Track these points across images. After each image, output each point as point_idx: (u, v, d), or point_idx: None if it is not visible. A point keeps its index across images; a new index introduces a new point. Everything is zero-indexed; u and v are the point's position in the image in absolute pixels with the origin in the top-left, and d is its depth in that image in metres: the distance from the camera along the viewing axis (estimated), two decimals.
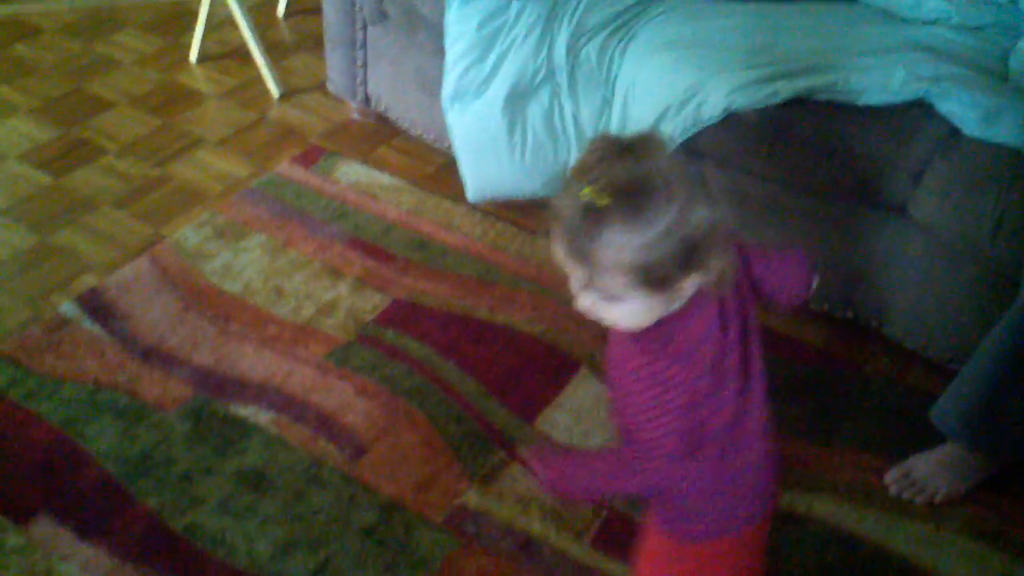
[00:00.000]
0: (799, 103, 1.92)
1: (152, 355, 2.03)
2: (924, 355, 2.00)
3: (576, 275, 1.09)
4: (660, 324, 1.11)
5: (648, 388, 1.11)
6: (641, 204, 1.01)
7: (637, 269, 1.03)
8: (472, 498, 1.78)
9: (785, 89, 1.92)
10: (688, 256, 1.04)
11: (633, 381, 1.13)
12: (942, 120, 1.88)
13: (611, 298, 1.08)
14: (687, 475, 1.20)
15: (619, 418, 1.20)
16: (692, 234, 1.03)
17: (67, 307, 2.12)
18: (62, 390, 1.94)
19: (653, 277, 1.04)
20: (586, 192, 1.01)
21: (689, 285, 1.08)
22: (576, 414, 1.93)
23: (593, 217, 1.02)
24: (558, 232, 1.06)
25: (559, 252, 1.08)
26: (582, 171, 1.04)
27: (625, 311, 1.10)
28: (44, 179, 2.54)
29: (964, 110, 1.85)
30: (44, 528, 1.71)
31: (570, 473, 1.26)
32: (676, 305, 1.10)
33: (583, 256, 1.05)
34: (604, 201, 1.01)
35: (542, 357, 2.05)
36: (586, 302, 1.12)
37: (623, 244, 1.02)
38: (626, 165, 1.02)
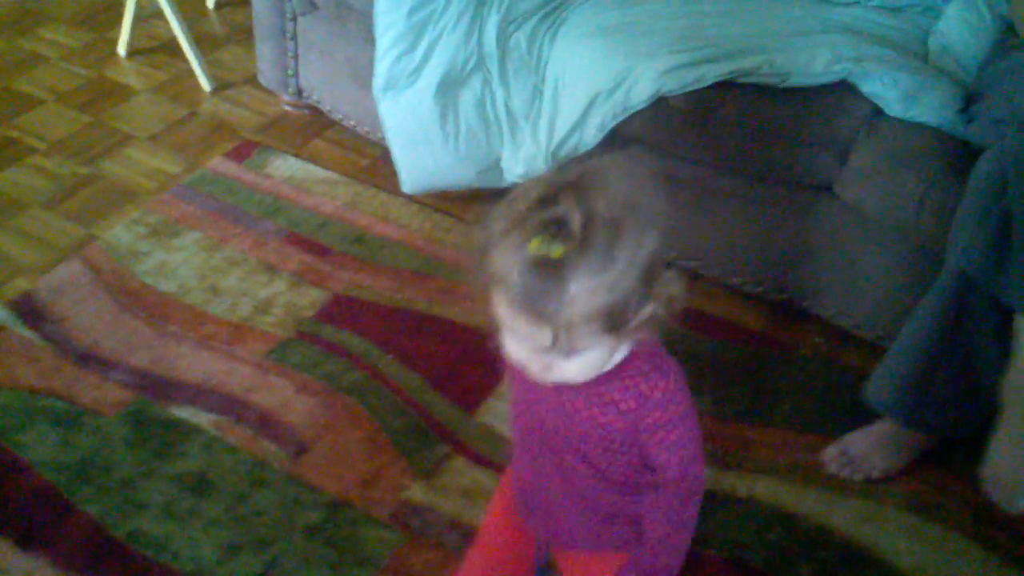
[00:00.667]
0: (726, 86, 1.94)
1: (88, 359, 2.00)
2: (858, 334, 2.04)
3: (534, 340, 0.97)
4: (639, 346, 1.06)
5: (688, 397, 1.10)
6: (599, 242, 0.91)
7: (605, 314, 0.94)
8: (417, 493, 1.78)
9: (712, 72, 1.94)
10: (647, 285, 0.96)
11: (677, 402, 1.09)
12: (866, 100, 1.91)
13: (572, 352, 0.98)
14: None
15: (672, 453, 1.12)
16: (648, 260, 0.95)
17: None
18: None
19: (618, 318, 0.95)
20: (535, 245, 0.91)
21: (643, 317, 0.99)
22: None
23: (551, 271, 0.91)
24: (506, 297, 0.95)
25: (509, 318, 0.97)
26: (516, 223, 0.93)
27: (585, 362, 1.00)
28: None
29: (886, 90, 1.88)
30: None
31: (660, 564, 1.17)
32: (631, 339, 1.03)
33: (546, 317, 0.93)
34: (559, 251, 0.90)
35: (482, 348, 2.04)
36: (540, 365, 1.01)
37: (592, 289, 0.92)
38: (568, 204, 0.92)
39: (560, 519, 1.25)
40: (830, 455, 1.84)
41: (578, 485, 1.18)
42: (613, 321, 0.95)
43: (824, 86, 1.92)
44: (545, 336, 0.95)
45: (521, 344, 1.00)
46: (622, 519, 1.21)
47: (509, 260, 0.93)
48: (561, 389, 1.08)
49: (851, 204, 1.93)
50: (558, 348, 0.96)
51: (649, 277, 0.96)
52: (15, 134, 2.66)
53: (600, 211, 0.92)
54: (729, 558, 1.70)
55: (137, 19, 2.94)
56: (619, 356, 1.05)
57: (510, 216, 0.94)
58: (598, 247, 0.91)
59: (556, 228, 0.91)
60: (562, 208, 0.92)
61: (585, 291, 0.92)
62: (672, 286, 1.00)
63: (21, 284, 2.18)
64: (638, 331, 1.00)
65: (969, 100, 1.85)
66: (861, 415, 1.84)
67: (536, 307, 0.93)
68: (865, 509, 1.78)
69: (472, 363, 2.01)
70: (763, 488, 1.81)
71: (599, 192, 0.93)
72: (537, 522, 1.30)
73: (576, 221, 0.91)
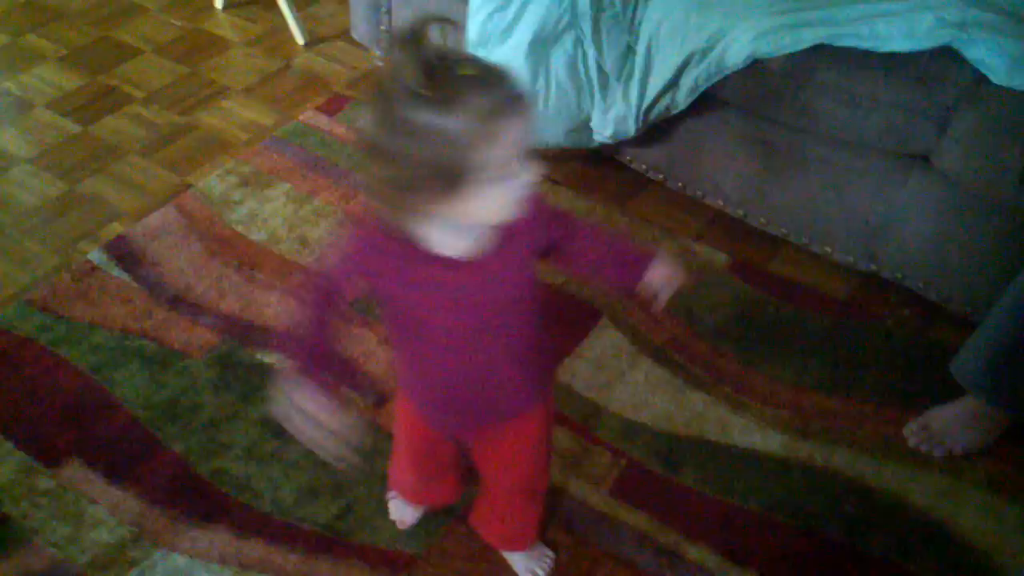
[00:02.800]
0: (823, 50, 1.90)
1: (179, 302, 2.05)
2: (947, 308, 2.00)
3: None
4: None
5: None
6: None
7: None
8: None
9: (809, 36, 1.90)
10: None
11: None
12: (969, 67, 1.85)
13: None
14: (401, 349, 1.31)
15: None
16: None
17: (95, 254, 2.15)
18: (91, 336, 1.97)
19: None
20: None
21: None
22: (597, 364, 1.94)
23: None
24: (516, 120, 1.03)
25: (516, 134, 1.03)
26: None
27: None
28: (72, 127, 2.56)
29: (992, 57, 1.82)
30: (74, 471, 1.75)
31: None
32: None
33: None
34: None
35: (563, 307, 2.06)
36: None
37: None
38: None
39: (507, 391, 1.32)
40: (912, 429, 1.81)
41: (517, 338, 1.27)
42: None
43: (926, 51, 1.87)
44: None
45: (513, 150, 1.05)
46: (545, 351, 1.38)
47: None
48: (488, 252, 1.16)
49: (948, 175, 1.88)
50: None
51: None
52: (115, 83, 2.73)
53: None
54: (803, 528, 1.69)
55: None
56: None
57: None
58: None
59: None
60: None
61: None
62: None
63: (117, 228, 2.24)
64: None
65: None
66: (946, 390, 1.80)
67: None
68: (944, 485, 1.75)
69: (554, 323, 1.99)
70: (841, 459, 1.79)
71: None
72: (467, 419, 1.38)
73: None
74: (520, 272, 1.23)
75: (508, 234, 1.16)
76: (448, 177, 1.02)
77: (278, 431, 1.78)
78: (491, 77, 1.02)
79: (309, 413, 1.17)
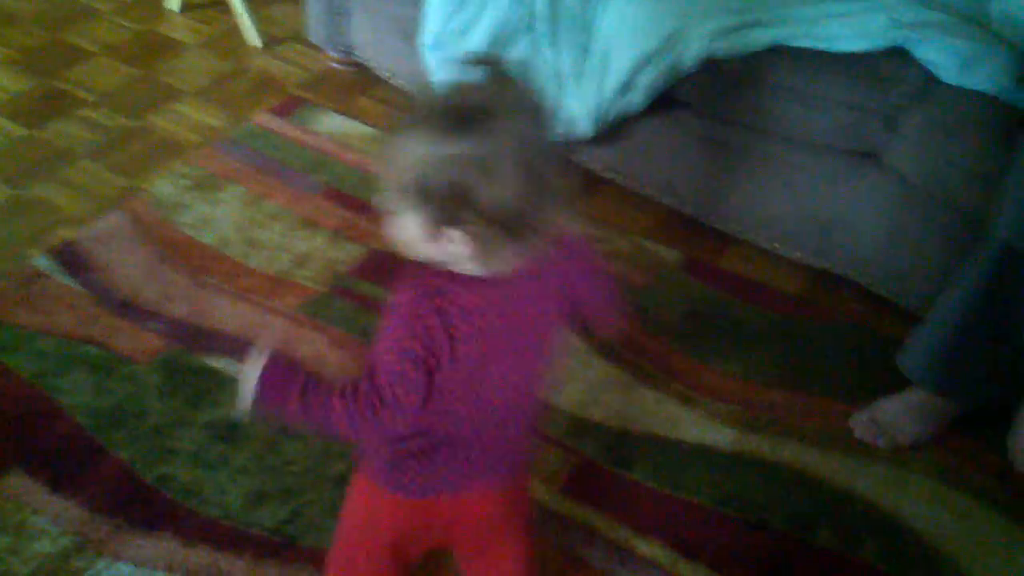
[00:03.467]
0: (777, 50, 1.92)
1: (126, 308, 2.03)
2: (897, 303, 2.01)
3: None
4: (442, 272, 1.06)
5: (403, 324, 1.05)
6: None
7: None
8: None
9: (764, 36, 1.91)
10: (456, 206, 0.98)
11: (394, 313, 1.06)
12: (919, 67, 1.87)
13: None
14: (410, 429, 1.13)
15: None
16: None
17: (41, 260, 2.12)
18: (35, 343, 1.94)
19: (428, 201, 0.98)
20: None
21: (458, 239, 1.00)
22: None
23: None
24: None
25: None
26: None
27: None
28: (19, 131, 2.52)
29: (943, 57, 1.84)
30: (16, 481, 1.71)
31: (289, 387, 1.10)
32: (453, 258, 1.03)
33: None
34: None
35: None
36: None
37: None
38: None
39: (518, 449, 1.27)
40: (858, 421, 1.82)
41: (539, 385, 1.22)
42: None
43: (878, 51, 1.88)
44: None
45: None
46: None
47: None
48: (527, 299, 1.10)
49: (899, 172, 1.90)
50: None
51: (460, 201, 0.97)
52: (65, 86, 2.69)
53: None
54: (753, 521, 1.70)
55: None
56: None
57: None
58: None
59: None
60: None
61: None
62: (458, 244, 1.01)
63: (64, 233, 2.21)
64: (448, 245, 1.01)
65: None
66: (894, 384, 1.81)
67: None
68: (891, 475, 1.76)
69: None
70: (789, 452, 1.80)
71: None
72: (482, 476, 1.24)
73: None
74: (552, 303, 1.15)
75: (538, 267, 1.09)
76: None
77: (225, 436, 1.78)
78: None
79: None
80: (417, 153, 0.97)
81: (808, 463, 1.78)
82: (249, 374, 1.11)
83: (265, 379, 1.10)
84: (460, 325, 1.05)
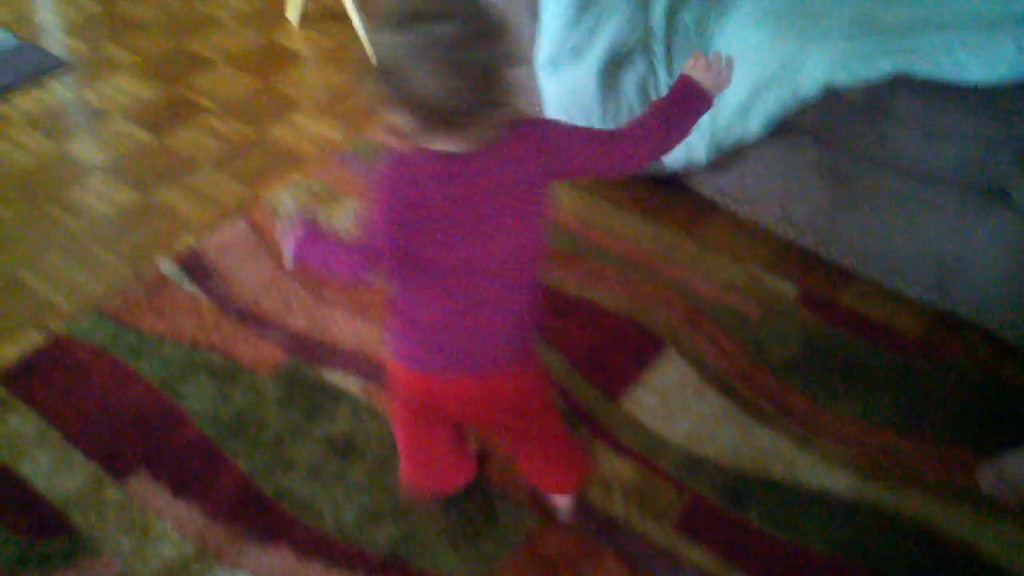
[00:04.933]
0: (901, 79, 1.87)
1: (248, 317, 2.07)
2: (1023, 349, 1.95)
3: None
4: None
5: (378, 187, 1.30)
6: None
7: None
8: None
9: (886, 64, 1.87)
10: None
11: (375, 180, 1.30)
12: None
13: None
14: (400, 292, 1.38)
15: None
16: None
17: (167, 266, 2.18)
18: (161, 349, 2.00)
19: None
20: None
21: (401, 121, 1.21)
22: (662, 395, 1.92)
23: None
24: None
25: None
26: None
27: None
28: (146, 137, 2.60)
29: None
30: (141, 484, 1.77)
31: (318, 248, 1.37)
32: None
33: None
34: None
35: (628, 335, 2.04)
36: None
37: None
38: None
39: (492, 341, 1.41)
40: (985, 475, 1.77)
41: (510, 289, 1.38)
42: None
43: (1005, 83, 1.83)
44: None
45: None
46: (527, 322, 1.44)
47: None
48: (485, 182, 1.28)
49: None
50: None
51: (392, 82, 1.19)
52: (189, 94, 2.77)
53: None
54: (870, 572, 1.66)
55: None
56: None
57: None
58: None
59: None
60: None
61: None
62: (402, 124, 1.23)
63: (188, 240, 2.27)
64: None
65: None
66: (1021, 435, 1.76)
67: None
68: (1018, 536, 1.70)
69: (618, 349, 2.01)
70: (910, 502, 1.75)
71: None
72: (455, 364, 1.42)
73: None
74: (519, 187, 1.30)
75: (510, 142, 1.27)
76: None
77: (341, 451, 1.81)
78: None
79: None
80: (371, 39, 1.21)
81: (930, 515, 1.72)
82: (287, 238, 1.36)
83: (300, 246, 1.36)
84: (412, 189, 1.27)
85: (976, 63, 1.84)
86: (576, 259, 2.22)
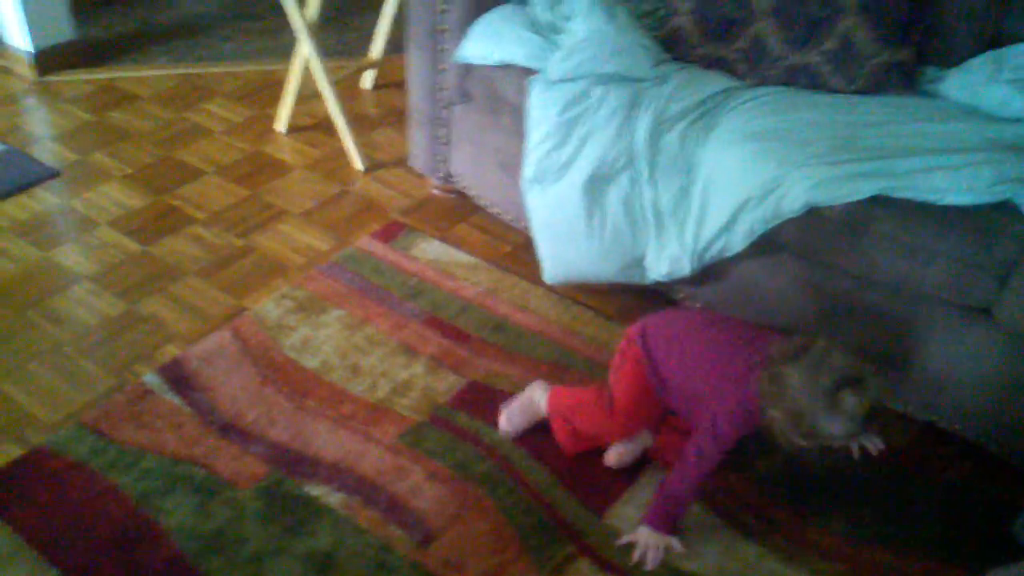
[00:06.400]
0: (881, 200, 1.91)
1: (230, 430, 2.06)
2: (1009, 462, 1.95)
3: None
4: None
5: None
6: None
7: None
8: None
9: (866, 187, 1.91)
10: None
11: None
12: None
13: None
14: None
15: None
16: None
17: (150, 377, 2.17)
18: (141, 462, 1.97)
19: None
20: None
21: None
22: (645, 509, 1.91)
23: None
24: None
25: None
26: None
27: None
28: (133, 246, 2.61)
29: None
30: None
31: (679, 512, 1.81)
32: None
33: None
34: None
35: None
36: None
37: None
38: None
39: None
40: None
41: None
42: None
43: (984, 205, 1.87)
44: None
45: None
46: None
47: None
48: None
49: (1010, 328, 1.86)
50: None
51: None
52: (177, 203, 2.79)
53: None
54: None
55: (297, 99, 3.07)
56: None
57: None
58: None
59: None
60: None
61: None
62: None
63: (172, 350, 2.26)
64: None
65: None
66: (1006, 549, 1.75)
67: None
68: None
69: (603, 464, 1.99)
70: None
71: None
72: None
73: None
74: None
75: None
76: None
77: (321, 567, 1.78)
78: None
79: None
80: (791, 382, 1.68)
81: None
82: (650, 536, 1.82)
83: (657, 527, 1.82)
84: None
85: (955, 187, 1.88)
86: (562, 369, 2.22)
